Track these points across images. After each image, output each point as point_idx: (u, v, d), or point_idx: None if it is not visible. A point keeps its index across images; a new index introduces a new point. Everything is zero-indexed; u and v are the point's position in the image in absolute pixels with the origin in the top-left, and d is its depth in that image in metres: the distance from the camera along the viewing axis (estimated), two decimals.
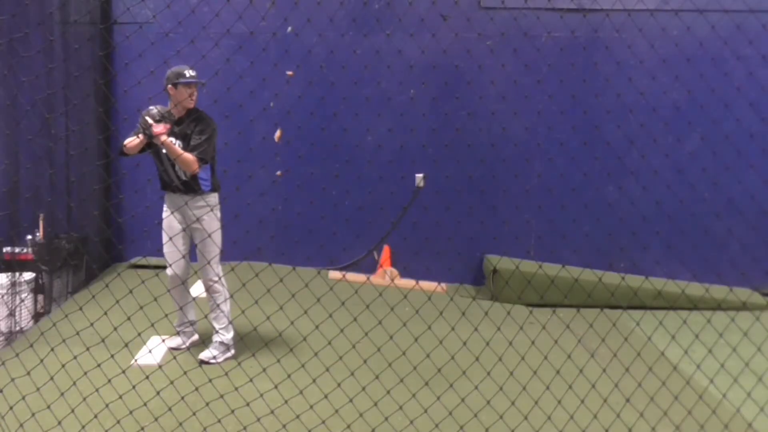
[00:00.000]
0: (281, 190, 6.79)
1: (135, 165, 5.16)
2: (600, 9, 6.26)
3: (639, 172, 6.42)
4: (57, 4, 5.87)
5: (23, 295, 5.16)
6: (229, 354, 4.41)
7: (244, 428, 3.39)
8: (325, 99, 6.37)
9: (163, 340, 4.51)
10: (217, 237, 4.28)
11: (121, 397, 3.39)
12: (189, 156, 4.15)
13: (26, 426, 3.34)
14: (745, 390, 3.91)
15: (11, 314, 4.98)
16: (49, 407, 3.35)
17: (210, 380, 3.63)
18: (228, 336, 4.40)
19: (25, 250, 5.51)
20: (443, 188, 6.54)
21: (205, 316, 4.56)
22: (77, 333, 3.56)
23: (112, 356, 3.63)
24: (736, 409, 3.91)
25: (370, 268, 6.85)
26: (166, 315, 3.85)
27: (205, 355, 4.35)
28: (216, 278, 4.32)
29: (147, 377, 3.59)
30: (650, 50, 6.04)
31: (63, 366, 3.54)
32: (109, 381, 3.44)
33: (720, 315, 4.68)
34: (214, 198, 4.37)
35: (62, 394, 3.49)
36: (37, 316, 5.38)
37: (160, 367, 3.84)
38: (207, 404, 3.41)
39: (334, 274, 6.57)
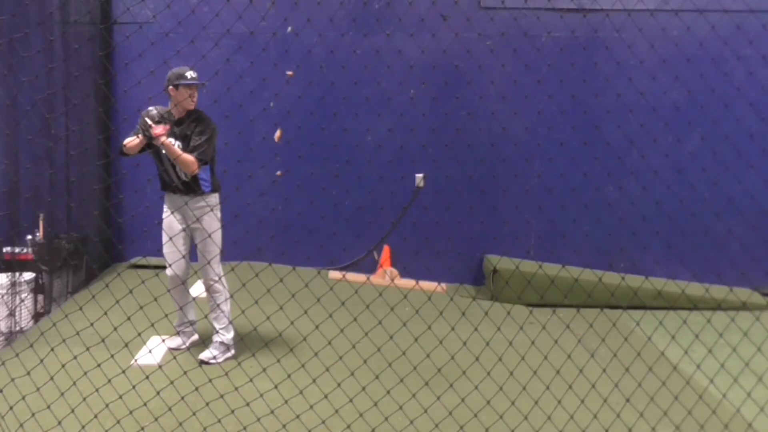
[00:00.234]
0: (281, 190, 6.79)
1: (135, 165, 5.17)
2: (600, 9, 6.26)
3: (639, 172, 6.43)
4: (57, 4, 5.87)
5: (23, 295, 5.16)
6: (229, 354, 4.41)
7: (244, 428, 3.39)
8: (325, 99, 6.37)
9: (163, 340, 4.51)
10: (218, 237, 4.28)
11: (121, 397, 3.39)
12: (188, 157, 4.15)
13: (26, 426, 3.34)
14: (745, 390, 3.91)
15: (11, 314, 4.98)
16: (49, 407, 3.35)
17: (210, 380, 3.63)
18: (228, 336, 4.40)
19: (25, 250, 5.51)
20: (443, 188, 6.54)
21: (205, 316, 4.56)
22: (77, 333, 3.56)
23: (112, 356, 3.63)
24: (736, 409, 3.91)
25: (370, 268, 6.85)
26: (166, 315, 3.86)
27: (205, 355, 4.35)
28: (216, 278, 4.32)
29: (147, 377, 3.59)
30: (650, 50, 6.04)
31: (63, 366, 3.54)
32: (109, 381, 3.44)
33: (720, 315, 4.69)
34: (214, 198, 4.38)
35: (62, 394, 3.49)
36: (37, 316, 5.38)
37: (160, 367, 3.84)
38: (207, 404, 3.41)
39: (334, 274, 6.57)
